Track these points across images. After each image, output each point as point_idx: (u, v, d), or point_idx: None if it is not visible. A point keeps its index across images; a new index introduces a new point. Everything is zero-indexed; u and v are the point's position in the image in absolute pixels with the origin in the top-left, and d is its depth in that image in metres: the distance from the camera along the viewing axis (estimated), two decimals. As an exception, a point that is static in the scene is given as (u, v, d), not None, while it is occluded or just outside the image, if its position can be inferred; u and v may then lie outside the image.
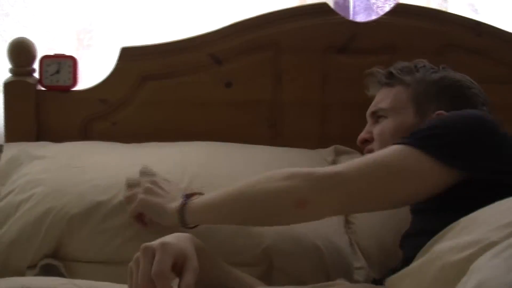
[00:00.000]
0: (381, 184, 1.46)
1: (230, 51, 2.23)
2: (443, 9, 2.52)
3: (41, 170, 1.88)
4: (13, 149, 2.02)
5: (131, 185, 1.71)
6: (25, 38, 2.19)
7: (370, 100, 2.22)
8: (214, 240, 1.63)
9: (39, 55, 2.20)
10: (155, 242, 1.26)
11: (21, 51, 2.18)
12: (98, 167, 1.88)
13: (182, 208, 1.57)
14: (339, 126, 2.23)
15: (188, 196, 1.60)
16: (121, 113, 2.23)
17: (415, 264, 1.28)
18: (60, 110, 2.23)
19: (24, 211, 1.76)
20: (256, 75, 2.24)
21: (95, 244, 1.72)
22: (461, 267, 1.10)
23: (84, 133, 2.19)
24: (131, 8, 2.45)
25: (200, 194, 1.61)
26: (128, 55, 2.22)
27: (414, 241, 1.43)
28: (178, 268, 1.27)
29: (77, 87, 2.26)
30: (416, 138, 1.48)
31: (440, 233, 1.27)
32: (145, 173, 1.72)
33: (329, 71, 2.23)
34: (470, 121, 1.51)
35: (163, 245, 1.25)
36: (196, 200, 1.58)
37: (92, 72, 2.38)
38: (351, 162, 1.50)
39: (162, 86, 2.23)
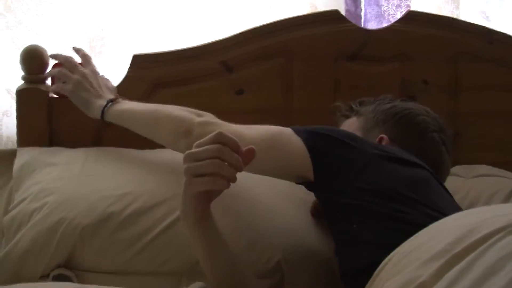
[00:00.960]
0: (264, 149, 1.58)
1: (241, 59, 2.24)
2: (455, 16, 2.52)
3: (53, 178, 1.88)
4: (26, 155, 2.02)
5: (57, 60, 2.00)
6: (38, 45, 2.20)
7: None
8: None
9: (51, 63, 2.21)
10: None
11: (33, 59, 2.18)
12: (110, 176, 1.88)
13: (105, 108, 1.87)
14: (351, 134, 2.23)
15: (113, 100, 1.87)
16: (133, 121, 2.23)
17: None
18: (72, 117, 2.22)
19: (37, 221, 1.75)
20: (267, 83, 2.24)
21: (107, 255, 1.73)
22: None
23: (97, 140, 2.20)
24: (143, 16, 2.45)
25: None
26: (140, 62, 2.23)
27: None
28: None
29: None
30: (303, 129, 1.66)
31: (376, 272, 1.26)
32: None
33: (340, 79, 2.24)
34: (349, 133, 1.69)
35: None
36: (118, 105, 1.86)
37: (105, 79, 2.38)
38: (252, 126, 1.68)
39: (174, 94, 2.23)
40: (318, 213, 1.81)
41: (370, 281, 1.26)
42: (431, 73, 2.24)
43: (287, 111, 2.24)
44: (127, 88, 2.22)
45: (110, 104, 1.90)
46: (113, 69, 2.37)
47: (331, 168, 1.59)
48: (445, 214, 1.35)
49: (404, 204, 1.52)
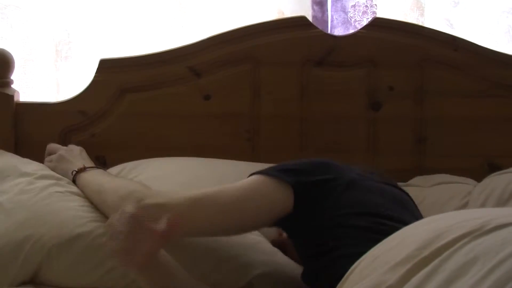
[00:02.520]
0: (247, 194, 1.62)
1: (208, 64, 2.24)
2: (420, 23, 2.55)
3: (23, 190, 1.85)
4: (2, 159, 2.01)
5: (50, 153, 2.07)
6: (3, 49, 2.18)
7: (348, 113, 2.25)
8: (198, 269, 1.69)
9: (17, 67, 2.19)
10: None
11: (-1, 63, 2.17)
12: (81, 193, 1.87)
13: (74, 178, 1.92)
14: (318, 139, 2.24)
15: (81, 169, 1.92)
16: (100, 125, 2.23)
17: None
18: (38, 122, 2.22)
19: (3, 234, 1.73)
20: (234, 88, 2.25)
21: (76, 273, 1.71)
22: None
23: (63, 145, 2.18)
24: (110, 20, 2.45)
25: (95, 168, 1.93)
26: (107, 67, 2.22)
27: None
28: None
29: (56, 99, 2.25)
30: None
31: (344, 277, 1.28)
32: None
33: (307, 84, 2.25)
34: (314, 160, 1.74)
35: None
36: (82, 178, 1.89)
37: (71, 84, 2.37)
38: (192, 193, 1.63)
39: (141, 98, 2.23)
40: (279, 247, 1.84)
41: (339, 284, 1.27)
42: (397, 80, 2.25)
43: (255, 117, 2.25)
44: (94, 93, 2.22)
45: (74, 175, 1.93)
46: (80, 73, 2.36)
47: (311, 196, 1.62)
48: None
49: (384, 218, 1.57)
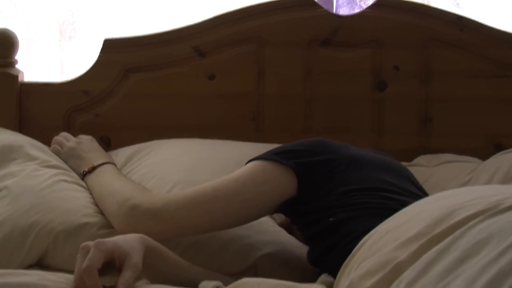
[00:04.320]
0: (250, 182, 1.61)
1: (213, 44, 2.23)
2: (426, 3, 2.53)
3: (32, 176, 1.84)
4: (10, 138, 2.00)
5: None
6: (7, 29, 2.18)
7: (353, 93, 2.24)
8: (201, 254, 1.68)
9: (21, 47, 2.19)
10: (93, 241, 1.33)
11: (3, 43, 2.17)
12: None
13: (83, 176, 1.88)
14: (322, 120, 2.24)
15: (90, 169, 1.88)
16: (104, 105, 2.22)
17: None
18: (42, 102, 2.22)
19: (8, 218, 1.72)
20: (239, 68, 2.24)
21: None
22: None
23: (67, 125, 2.18)
24: (114, 0, 2.44)
25: (105, 164, 1.88)
26: (111, 47, 2.21)
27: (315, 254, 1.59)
28: (119, 266, 1.33)
29: (60, 79, 2.25)
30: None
31: (352, 253, 1.26)
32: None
33: (312, 65, 2.24)
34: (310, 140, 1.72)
35: (97, 243, 1.31)
36: (90, 180, 1.85)
37: (75, 64, 2.37)
38: (189, 191, 1.63)
39: (145, 79, 2.22)
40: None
41: (347, 260, 1.26)
42: (403, 59, 2.24)
43: (259, 97, 2.24)
44: (98, 73, 2.22)
45: (85, 174, 1.90)
46: (84, 53, 2.36)
47: (314, 177, 1.61)
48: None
49: (390, 192, 1.57)
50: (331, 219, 1.54)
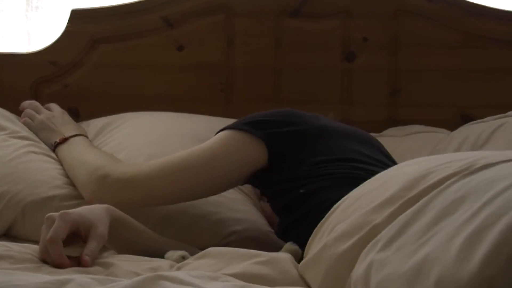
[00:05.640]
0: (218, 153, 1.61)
1: (182, 14, 2.22)
2: (395, -26, 2.53)
3: (1, 146, 1.82)
4: None
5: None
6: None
7: (322, 64, 2.24)
8: (173, 227, 1.68)
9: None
10: (58, 212, 1.33)
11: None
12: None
13: (54, 148, 1.85)
14: (292, 90, 2.24)
15: (61, 140, 1.85)
16: (72, 76, 2.20)
17: (310, 256, 1.26)
18: (9, 72, 2.20)
19: None
20: (208, 39, 2.23)
21: None
22: (351, 256, 1.11)
23: (35, 95, 2.17)
24: (81, -31, 2.41)
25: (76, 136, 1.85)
26: (79, 17, 2.20)
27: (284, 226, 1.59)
28: (84, 237, 1.34)
29: (27, 49, 2.22)
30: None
31: (324, 219, 1.27)
32: None
33: (281, 35, 2.24)
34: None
35: (62, 214, 1.32)
36: (61, 150, 1.83)
37: (42, 35, 2.34)
38: (160, 161, 1.63)
39: (114, 49, 2.21)
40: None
41: (318, 226, 1.26)
42: (372, 31, 2.25)
43: (228, 68, 2.23)
44: (66, 44, 2.20)
45: (56, 146, 1.87)
46: (51, 23, 2.33)
47: (285, 148, 1.61)
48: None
49: (360, 162, 1.58)
50: (301, 191, 1.55)
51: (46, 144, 1.90)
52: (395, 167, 1.32)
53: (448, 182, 1.05)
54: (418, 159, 1.28)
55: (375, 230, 1.09)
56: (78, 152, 1.79)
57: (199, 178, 1.61)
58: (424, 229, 0.99)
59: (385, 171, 1.29)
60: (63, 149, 1.84)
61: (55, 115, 1.98)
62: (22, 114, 2.00)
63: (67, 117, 2.00)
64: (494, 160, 1.07)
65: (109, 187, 1.60)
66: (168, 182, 1.60)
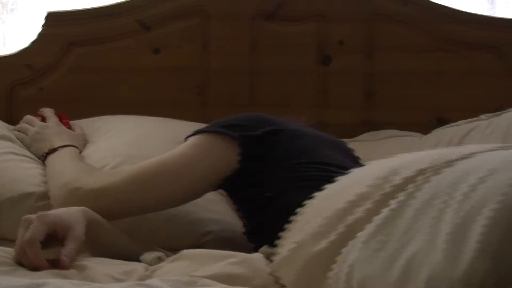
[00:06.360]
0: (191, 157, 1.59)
1: (158, 17, 2.22)
2: (370, -23, 2.54)
3: None
4: None
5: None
6: None
7: (298, 67, 2.25)
8: (147, 226, 1.67)
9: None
10: (35, 214, 1.33)
11: None
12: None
13: (44, 158, 1.80)
14: (268, 94, 2.24)
15: (49, 151, 1.79)
16: (48, 79, 2.20)
17: (282, 255, 1.25)
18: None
19: None
20: (184, 42, 2.23)
21: None
22: (327, 256, 1.10)
23: (10, 98, 2.16)
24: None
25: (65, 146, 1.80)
26: (54, 20, 2.19)
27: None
28: (62, 239, 1.33)
29: (2, 52, 2.22)
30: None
31: (297, 215, 1.26)
32: None
33: (257, 39, 2.24)
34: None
35: (39, 216, 1.33)
36: (47, 161, 1.77)
37: (17, 37, 2.33)
38: (134, 167, 1.61)
39: (89, 52, 2.20)
40: None
41: (290, 224, 1.26)
42: (347, 34, 2.26)
43: (204, 71, 2.24)
44: (41, 47, 2.19)
45: (45, 157, 1.82)
46: (26, 26, 2.32)
47: (256, 151, 1.60)
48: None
49: (329, 165, 1.57)
50: (266, 195, 1.55)
51: (36, 155, 1.86)
52: (365, 166, 1.33)
53: (422, 177, 1.04)
54: (387, 158, 1.29)
55: (352, 229, 1.08)
56: (59, 163, 1.76)
57: (175, 184, 1.59)
58: (405, 227, 0.98)
59: (355, 170, 1.30)
60: (48, 160, 1.80)
61: (49, 125, 1.94)
62: (17, 127, 1.98)
63: (62, 128, 1.95)
64: (465, 153, 1.07)
65: (81, 199, 1.55)
66: (143, 189, 1.57)
